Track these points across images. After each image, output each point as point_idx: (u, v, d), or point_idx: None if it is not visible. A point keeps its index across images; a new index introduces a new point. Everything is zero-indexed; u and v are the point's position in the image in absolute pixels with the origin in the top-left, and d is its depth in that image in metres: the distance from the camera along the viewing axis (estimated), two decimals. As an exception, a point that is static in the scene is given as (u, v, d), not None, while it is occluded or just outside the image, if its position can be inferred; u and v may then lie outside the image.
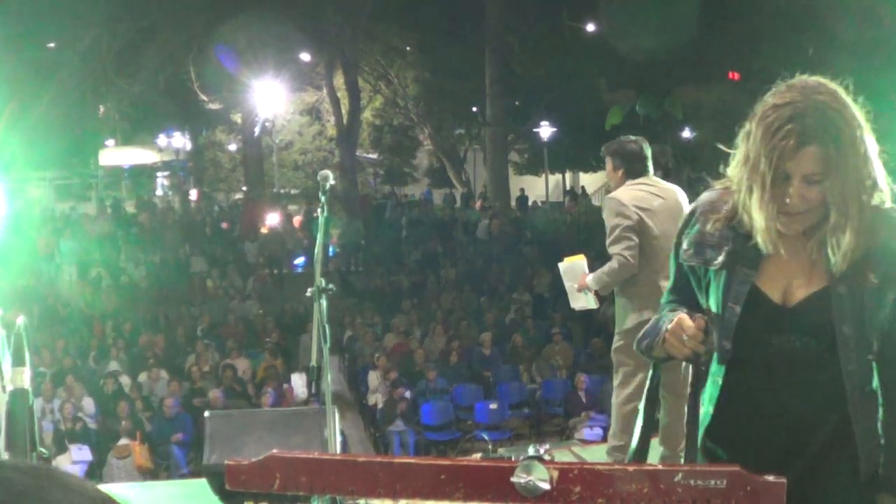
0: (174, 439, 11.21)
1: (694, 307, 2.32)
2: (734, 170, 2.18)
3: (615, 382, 5.38)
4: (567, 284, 5.53)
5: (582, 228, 21.73)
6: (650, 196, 5.22)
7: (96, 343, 14.39)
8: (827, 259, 2.15)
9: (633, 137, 5.49)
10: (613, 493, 1.30)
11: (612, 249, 5.13)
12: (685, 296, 2.38)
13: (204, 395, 12.13)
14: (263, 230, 22.02)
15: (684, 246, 2.34)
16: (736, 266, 2.22)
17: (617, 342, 5.29)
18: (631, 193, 5.21)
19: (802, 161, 2.02)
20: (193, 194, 30.43)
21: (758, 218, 2.10)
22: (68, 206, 24.57)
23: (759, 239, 2.15)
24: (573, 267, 5.49)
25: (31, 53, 19.70)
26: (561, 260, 5.71)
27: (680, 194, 5.36)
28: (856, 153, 2.04)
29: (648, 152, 5.35)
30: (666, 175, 5.98)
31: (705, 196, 2.36)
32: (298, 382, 12.99)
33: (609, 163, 5.39)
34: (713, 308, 2.27)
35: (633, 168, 5.29)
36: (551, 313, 15.07)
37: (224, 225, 23.90)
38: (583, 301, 5.53)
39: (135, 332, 14.72)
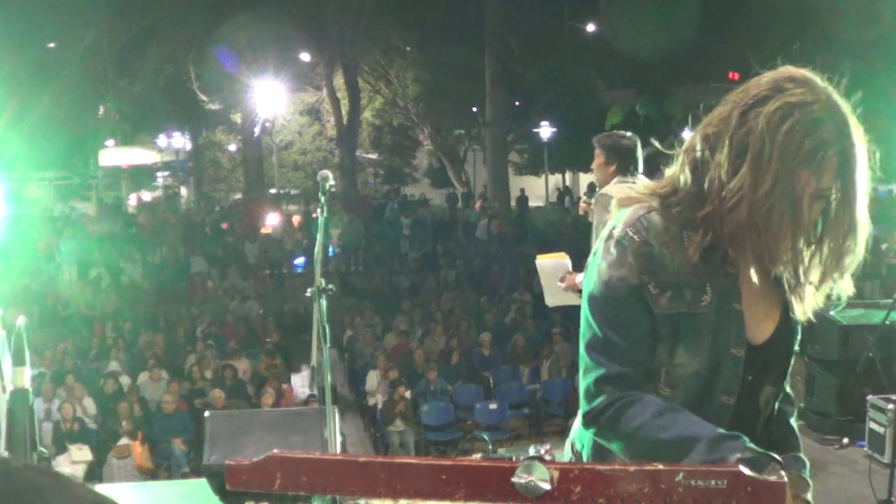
0: (175, 441, 11.21)
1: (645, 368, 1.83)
2: (724, 181, 1.74)
3: None
4: (546, 282, 5.44)
5: (582, 228, 21.76)
6: None
7: (96, 343, 14.39)
8: (777, 281, 1.88)
9: (627, 134, 5.48)
10: (614, 493, 1.30)
11: None
12: (640, 357, 1.82)
13: (204, 395, 12.13)
14: (263, 230, 22.04)
15: (652, 290, 1.79)
16: (727, 304, 1.83)
17: None
18: (623, 191, 5.18)
19: (825, 176, 1.71)
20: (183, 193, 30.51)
21: (779, 244, 1.73)
22: (68, 207, 24.58)
23: (750, 269, 1.80)
24: (555, 265, 5.42)
25: (31, 53, 19.72)
26: (550, 258, 5.63)
27: None
28: (863, 165, 1.75)
29: (640, 150, 5.34)
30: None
31: (649, 222, 1.83)
32: (298, 382, 13.00)
33: (601, 156, 5.34)
34: (696, 356, 1.81)
35: (625, 165, 5.27)
36: (551, 313, 15.05)
37: (224, 225, 23.91)
38: (562, 298, 5.46)
39: (135, 332, 14.72)
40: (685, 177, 1.82)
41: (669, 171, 1.90)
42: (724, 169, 1.74)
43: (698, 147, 1.80)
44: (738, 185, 1.72)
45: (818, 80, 1.76)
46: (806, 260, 1.78)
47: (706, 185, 1.77)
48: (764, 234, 1.73)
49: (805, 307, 1.89)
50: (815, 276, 1.81)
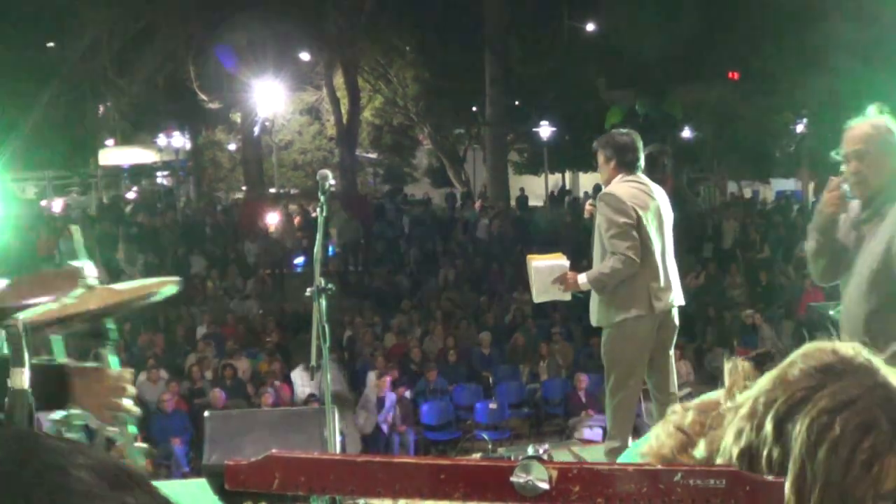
0: (174, 442, 11.21)
1: None
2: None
3: (608, 385, 5.39)
4: (538, 281, 5.43)
5: (583, 228, 21.76)
6: (645, 196, 5.22)
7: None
8: None
9: (624, 131, 5.50)
10: (612, 492, 1.30)
11: (614, 247, 5.08)
12: None
13: (204, 395, 12.13)
14: (269, 229, 22.06)
15: None
16: None
17: (607, 336, 5.29)
18: (628, 191, 5.19)
19: (887, 480, 1.37)
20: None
21: None
22: (71, 198, 24.60)
23: None
24: (552, 267, 5.41)
25: (31, 53, 19.72)
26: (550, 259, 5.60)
27: (665, 196, 5.39)
28: None
29: (640, 146, 5.35)
30: (664, 175, 5.96)
31: None
32: (298, 382, 13.00)
33: (601, 155, 5.35)
34: None
35: (624, 160, 5.27)
36: (551, 313, 15.08)
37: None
38: (550, 295, 5.48)
39: (134, 331, 14.71)
40: None
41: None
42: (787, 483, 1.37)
43: (736, 463, 1.43)
44: None
45: (861, 352, 1.41)
46: None
47: None
48: None
49: None
50: None
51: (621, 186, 5.20)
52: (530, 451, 1.30)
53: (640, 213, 5.12)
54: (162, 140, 32.10)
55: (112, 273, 17.92)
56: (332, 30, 24.82)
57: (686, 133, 25.83)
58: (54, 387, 2.52)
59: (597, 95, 26.75)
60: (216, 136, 31.31)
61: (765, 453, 1.39)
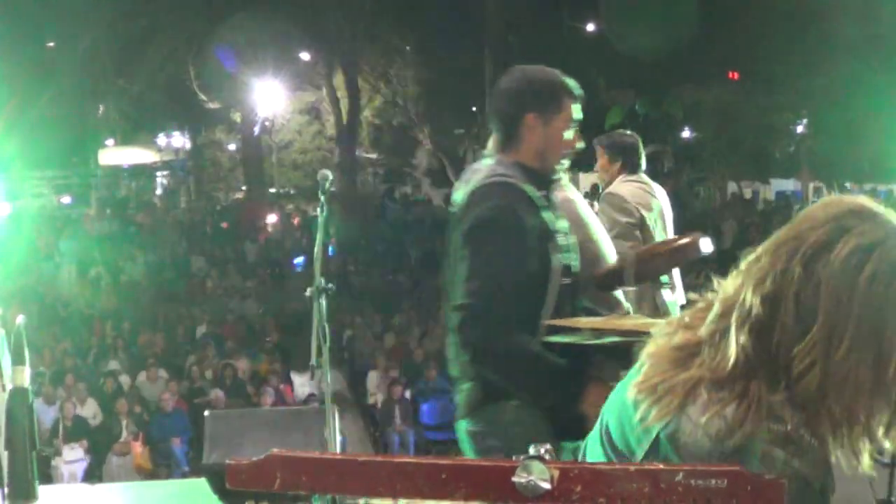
0: (174, 441, 11.21)
1: None
2: (790, 345, 1.40)
3: None
4: None
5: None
6: (648, 196, 5.22)
7: (96, 342, 14.39)
8: None
9: (628, 132, 5.51)
10: (614, 492, 1.30)
11: (616, 247, 5.08)
12: None
13: (204, 394, 12.14)
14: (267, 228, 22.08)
15: None
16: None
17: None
18: (630, 190, 5.18)
19: None
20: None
21: (854, 413, 1.41)
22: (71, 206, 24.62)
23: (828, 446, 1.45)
24: None
25: (31, 53, 19.74)
26: None
27: (666, 196, 5.39)
28: None
29: (642, 148, 5.37)
30: (664, 174, 5.98)
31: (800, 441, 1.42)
32: (298, 382, 13.01)
33: (604, 156, 5.34)
34: None
35: (630, 161, 5.28)
36: (551, 313, 15.03)
37: (224, 224, 23.93)
38: None
39: (134, 331, 14.71)
40: (746, 347, 1.43)
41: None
42: (791, 331, 1.41)
43: (757, 309, 1.43)
44: (808, 347, 1.39)
45: (876, 206, 1.45)
46: (882, 429, 1.45)
47: (776, 354, 1.43)
48: (837, 403, 1.40)
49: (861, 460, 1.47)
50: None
51: (624, 186, 5.20)
52: (531, 450, 1.30)
53: (643, 212, 5.12)
54: (162, 140, 32.10)
55: (113, 272, 17.94)
56: (332, 30, 24.83)
57: (686, 133, 25.82)
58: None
59: (597, 95, 26.74)
60: (216, 135, 31.28)
61: (792, 294, 1.41)
